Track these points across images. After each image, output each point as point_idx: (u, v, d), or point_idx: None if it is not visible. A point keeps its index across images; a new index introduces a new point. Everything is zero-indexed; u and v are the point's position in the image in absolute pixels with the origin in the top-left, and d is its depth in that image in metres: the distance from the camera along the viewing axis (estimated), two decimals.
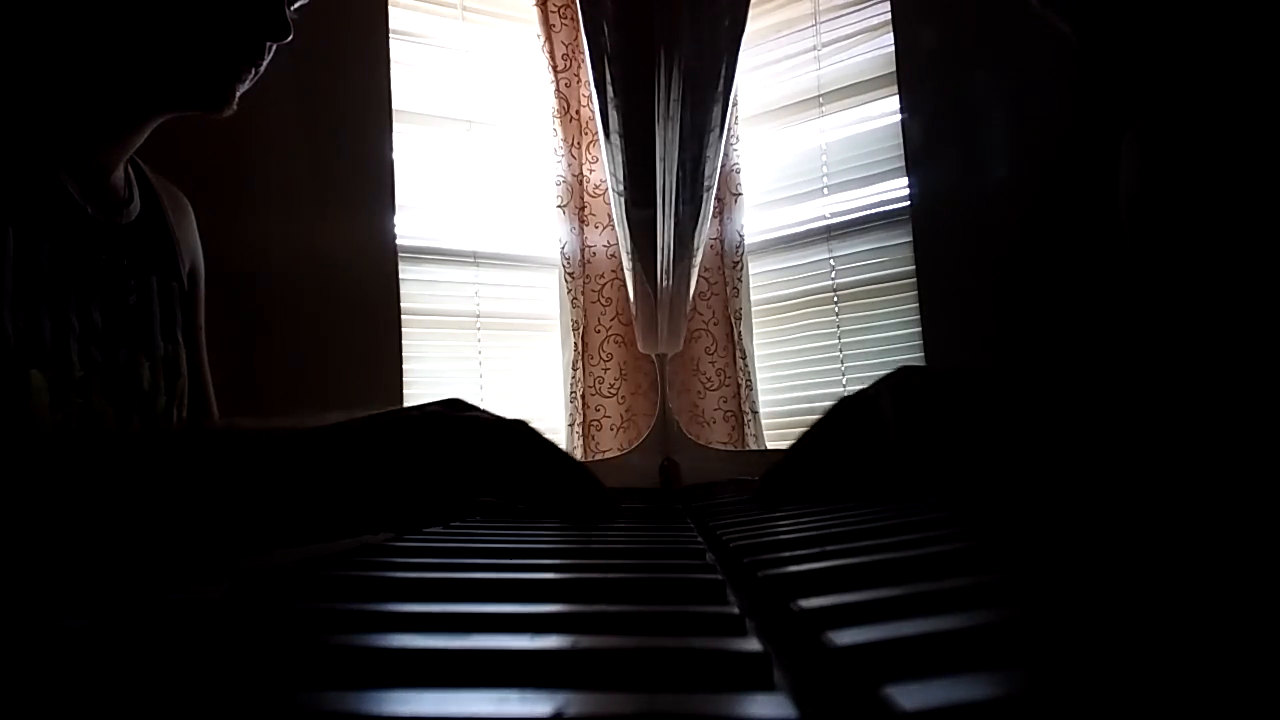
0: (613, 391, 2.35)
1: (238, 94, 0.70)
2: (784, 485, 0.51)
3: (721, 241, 2.38)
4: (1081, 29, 0.68)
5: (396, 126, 2.04)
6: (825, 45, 2.26)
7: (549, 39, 2.32)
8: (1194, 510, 0.31)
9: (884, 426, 0.48)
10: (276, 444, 0.44)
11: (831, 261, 2.23)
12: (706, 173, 2.04)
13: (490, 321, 2.25)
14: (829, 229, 2.23)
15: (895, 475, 0.50)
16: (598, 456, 2.26)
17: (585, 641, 0.17)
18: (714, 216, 2.30)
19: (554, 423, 2.28)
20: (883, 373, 0.52)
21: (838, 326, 2.21)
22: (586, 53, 2.07)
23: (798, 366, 2.29)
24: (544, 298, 2.35)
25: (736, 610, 0.20)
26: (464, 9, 2.28)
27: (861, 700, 0.13)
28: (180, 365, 0.77)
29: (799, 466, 0.51)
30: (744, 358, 2.31)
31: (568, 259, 2.31)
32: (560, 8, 2.35)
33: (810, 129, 2.29)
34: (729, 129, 2.24)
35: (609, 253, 2.37)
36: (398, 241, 2.03)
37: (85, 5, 0.65)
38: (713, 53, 1.98)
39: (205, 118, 0.70)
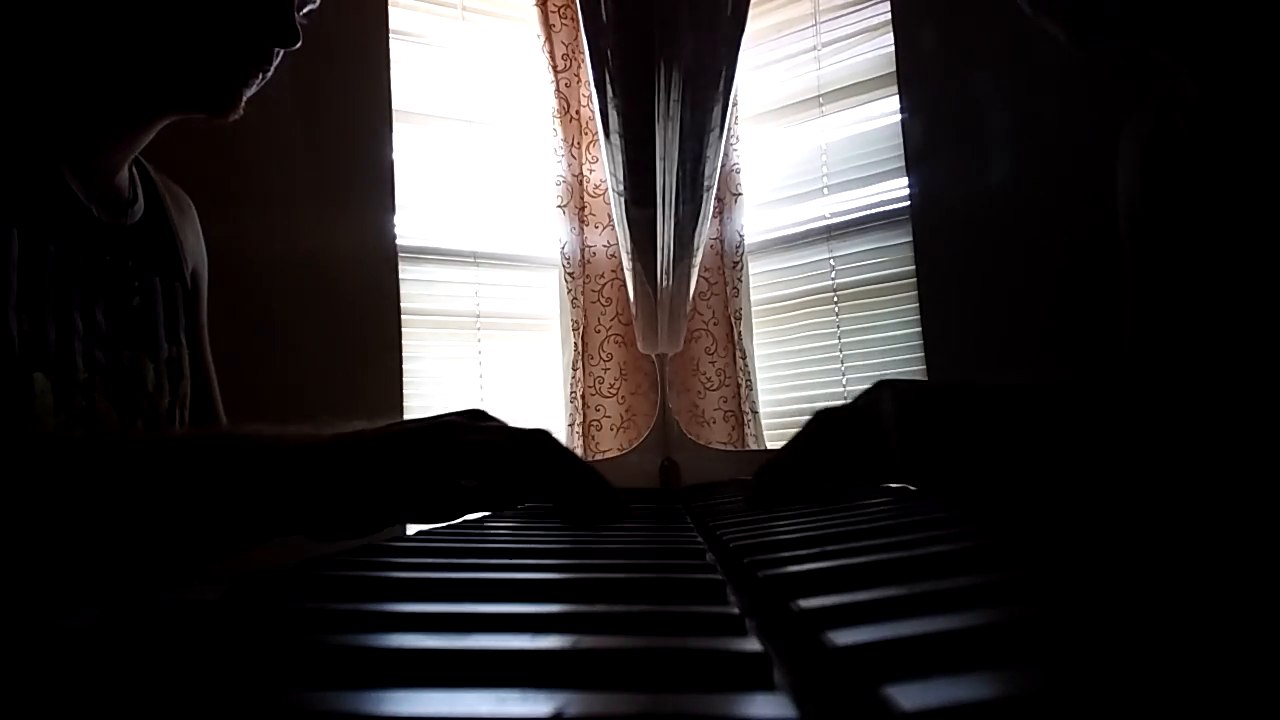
0: (613, 391, 2.35)
1: (244, 98, 0.70)
2: (775, 488, 0.54)
3: (721, 241, 2.38)
4: (1074, 33, 0.68)
5: (396, 126, 2.04)
6: (825, 45, 2.26)
7: (549, 39, 2.32)
8: (1194, 510, 0.31)
9: (860, 433, 0.51)
10: (299, 452, 0.45)
11: (831, 261, 2.23)
12: (706, 173, 2.04)
13: (490, 321, 2.25)
14: (829, 229, 2.23)
15: (872, 478, 0.52)
16: (598, 456, 2.26)
17: (585, 641, 0.17)
18: (714, 216, 2.30)
19: (554, 423, 2.28)
20: (882, 373, 0.54)
21: (837, 326, 2.21)
22: (586, 53, 2.07)
23: (798, 366, 2.29)
24: (544, 298, 2.35)
25: (736, 610, 0.20)
26: (464, 9, 2.28)
27: (861, 700, 0.13)
28: (184, 366, 0.77)
29: (787, 471, 0.54)
30: (744, 358, 2.31)
31: (568, 259, 2.31)
32: (560, 8, 2.35)
33: (810, 129, 2.29)
34: (729, 129, 2.24)
35: (609, 253, 2.37)
36: (398, 241, 2.02)
37: (93, 7, 0.65)
38: (713, 53, 1.98)
39: (211, 121, 0.70)
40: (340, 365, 1.85)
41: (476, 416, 0.52)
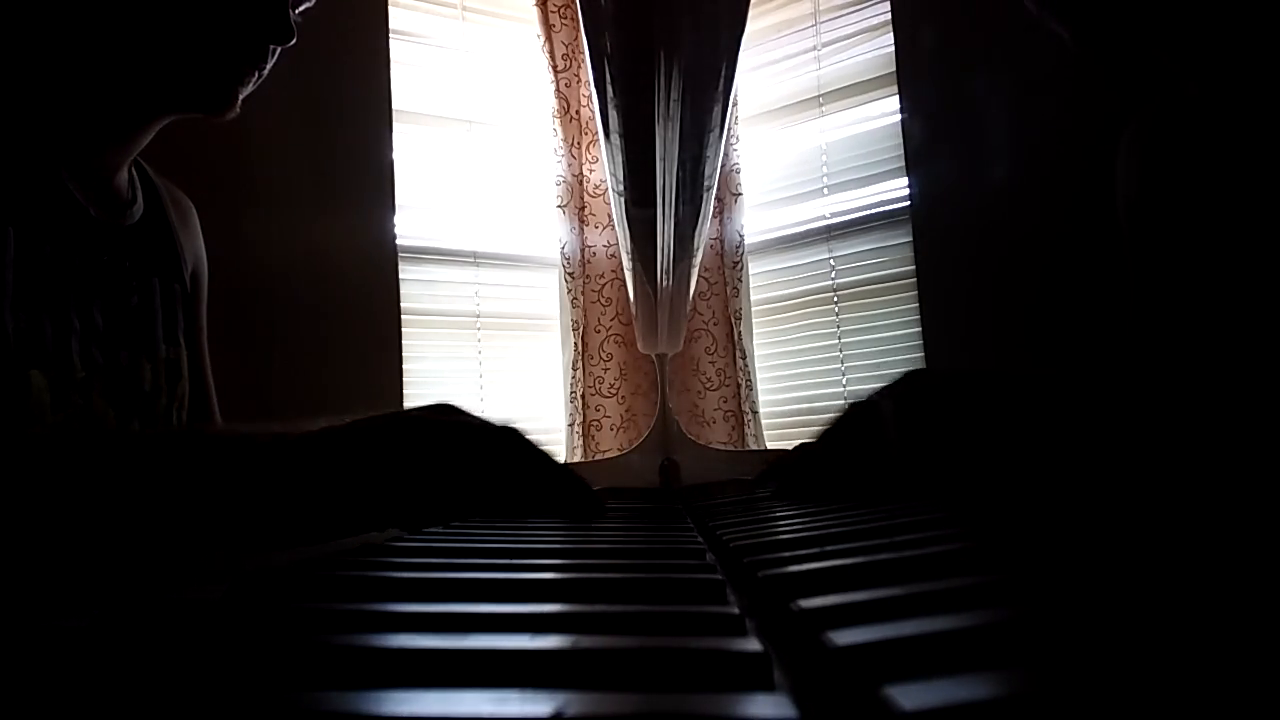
0: (613, 391, 2.35)
1: (240, 97, 0.70)
2: (799, 480, 0.52)
3: (721, 241, 2.38)
4: (1078, 32, 0.68)
5: (396, 126, 2.04)
6: (825, 45, 2.26)
7: (549, 39, 2.32)
8: (1194, 510, 0.31)
9: (894, 429, 0.49)
10: (266, 448, 0.44)
11: (831, 261, 2.23)
12: (706, 173, 2.04)
13: (490, 321, 2.25)
14: (829, 229, 2.23)
15: (905, 477, 0.51)
16: (598, 456, 2.26)
17: (585, 641, 0.17)
18: (714, 216, 2.30)
19: (554, 423, 2.29)
20: (883, 373, 0.53)
21: (838, 326, 2.21)
22: (586, 53, 2.07)
23: (798, 366, 2.29)
24: (544, 298, 2.35)
25: (736, 610, 0.20)
26: (464, 9, 2.28)
27: (861, 700, 0.13)
28: (181, 367, 0.77)
29: (813, 463, 0.53)
30: (744, 358, 2.31)
31: (568, 259, 2.31)
32: (560, 8, 2.35)
33: (810, 129, 2.29)
34: (729, 129, 2.24)
35: (609, 253, 2.37)
36: (398, 241, 2.03)
37: (89, 7, 0.65)
38: (713, 53, 1.98)
39: (208, 120, 0.70)
40: (340, 365, 1.85)
41: (445, 411, 0.50)
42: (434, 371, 2.14)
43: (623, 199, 2.03)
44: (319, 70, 1.84)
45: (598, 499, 0.48)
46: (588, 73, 2.16)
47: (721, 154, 2.18)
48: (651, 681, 0.16)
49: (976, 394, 0.49)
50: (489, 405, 2.20)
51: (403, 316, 2.02)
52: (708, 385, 2.36)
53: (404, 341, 2.01)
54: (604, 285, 2.38)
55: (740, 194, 2.36)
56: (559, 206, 2.33)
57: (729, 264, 2.35)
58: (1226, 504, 0.31)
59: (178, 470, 0.44)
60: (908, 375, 0.53)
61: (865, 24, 2.18)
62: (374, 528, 0.46)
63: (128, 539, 0.42)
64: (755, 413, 2.28)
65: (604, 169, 2.22)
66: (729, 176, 2.35)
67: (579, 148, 2.39)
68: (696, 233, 2.07)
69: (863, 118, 2.19)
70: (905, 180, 2.06)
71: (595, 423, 2.33)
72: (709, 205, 2.09)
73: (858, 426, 0.53)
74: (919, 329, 2.02)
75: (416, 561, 0.32)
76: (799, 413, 2.27)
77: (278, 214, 1.82)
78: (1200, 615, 0.16)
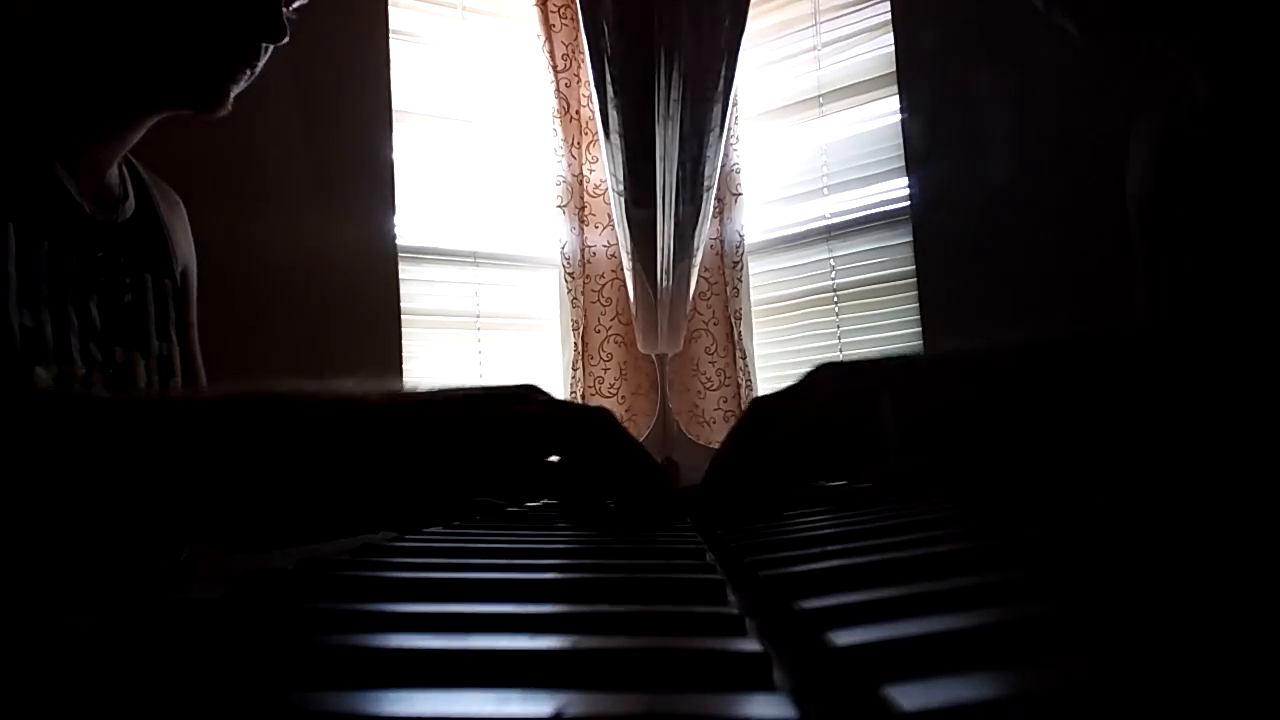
0: (613, 391, 2.35)
1: (232, 94, 0.70)
2: (722, 497, 0.48)
3: (721, 241, 2.38)
4: (1086, 26, 0.68)
5: (396, 126, 2.04)
6: (825, 45, 2.26)
7: (549, 39, 2.32)
8: (1194, 511, 0.31)
9: (799, 419, 0.46)
10: (348, 412, 0.44)
11: (831, 261, 2.23)
12: (706, 173, 2.04)
13: (490, 321, 2.25)
14: (829, 229, 2.23)
15: (819, 466, 0.48)
16: None
17: (585, 641, 0.17)
18: (714, 216, 2.30)
19: None
20: None
21: (838, 326, 2.21)
22: (586, 53, 2.08)
23: (798, 366, 2.29)
24: (544, 298, 2.35)
25: (736, 610, 0.20)
26: (464, 9, 2.28)
27: (861, 700, 0.13)
28: (175, 364, 0.77)
29: (730, 476, 0.48)
30: (744, 358, 2.31)
31: (568, 259, 2.31)
32: (560, 8, 2.35)
33: (810, 129, 2.29)
34: (729, 129, 2.24)
35: (609, 253, 2.37)
36: (398, 241, 2.03)
37: (82, 4, 0.65)
38: (713, 53, 1.98)
39: (200, 117, 0.70)
40: (340, 365, 1.84)
41: (532, 391, 0.49)
42: (434, 371, 2.14)
43: (623, 199, 2.04)
44: (319, 70, 1.84)
45: (680, 505, 0.45)
46: (588, 73, 2.16)
47: (721, 154, 2.18)
48: (652, 682, 0.16)
49: (885, 378, 0.47)
50: None
51: (402, 316, 2.02)
52: (708, 385, 2.37)
53: (404, 341, 2.01)
54: (604, 285, 2.38)
55: (740, 194, 2.36)
56: (559, 206, 2.33)
57: (729, 264, 2.36)
58: (1226, 503, 0.31)
59: (251, 427, 0.43)
60: (818, 367, 0.50)
61: (865, 24, 2.19)
62: (477, 495, 0.45)
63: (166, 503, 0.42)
64: None
65: (604, 169, 2.22)
66: (729, 176, 2.35)
67: (579, 148, 2.39)
68: (696, 233, 2.07)
69: (863, 118, 2.20)
70: (905, 180, 2.06)
71: None
72: (709, 205, 2.09)
73: (766, 422, 0.49)
74: (919, 329, 2.02)
75: (416, 561, 0.32)
76: None
77: (278, 214, 1.82)
78: (1200, 615, 0.16)
